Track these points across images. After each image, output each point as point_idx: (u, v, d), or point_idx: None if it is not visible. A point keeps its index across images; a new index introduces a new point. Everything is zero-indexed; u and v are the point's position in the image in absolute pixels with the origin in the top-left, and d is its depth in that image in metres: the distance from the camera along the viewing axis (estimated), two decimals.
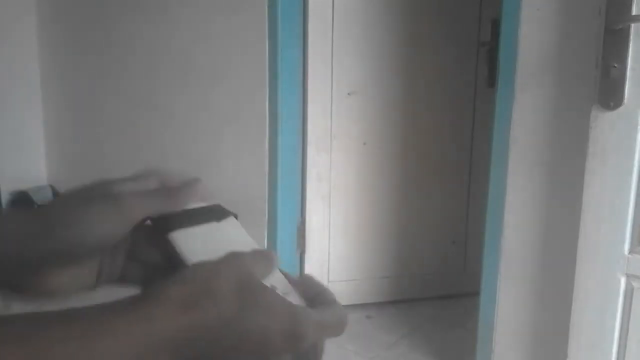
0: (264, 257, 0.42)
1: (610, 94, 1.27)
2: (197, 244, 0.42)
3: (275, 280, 0.42)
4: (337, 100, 2.25)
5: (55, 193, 3.00)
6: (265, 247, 2.04)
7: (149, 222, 0.44)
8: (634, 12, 1.21)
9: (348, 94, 2.27)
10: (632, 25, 1.22)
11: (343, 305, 0.46)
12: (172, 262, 0.42)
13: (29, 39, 2.89)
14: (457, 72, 2.37)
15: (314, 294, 0.44)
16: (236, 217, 0.48)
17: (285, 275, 0.44)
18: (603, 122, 1.29)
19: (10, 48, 2.84)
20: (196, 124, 2.37)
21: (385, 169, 2.38)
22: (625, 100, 1.26)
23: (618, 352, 1.34)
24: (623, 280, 1.32)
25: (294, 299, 0.42)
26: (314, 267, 2.33)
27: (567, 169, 1.50)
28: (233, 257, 0.40)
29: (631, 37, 1.23)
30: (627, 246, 1.31)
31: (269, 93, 2.11)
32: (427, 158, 2.42)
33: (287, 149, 2.17)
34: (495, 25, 1.91)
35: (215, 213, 0.46)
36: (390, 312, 2.38)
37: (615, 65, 1.25)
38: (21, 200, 2.91)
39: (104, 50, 2.68)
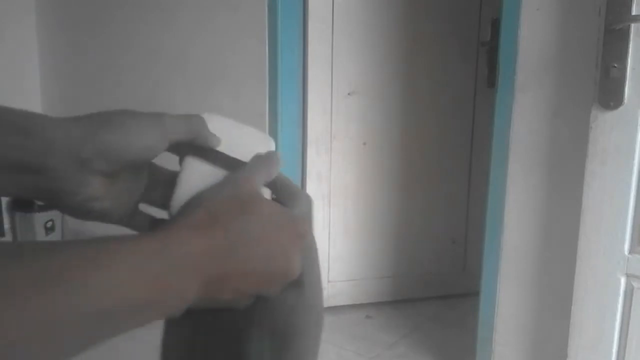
0: (265, 163, 0.46)
1: (610, 94, 1.27)
2: (198, 179, 0.45)
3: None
4: (337, 100, 2.25)
5: None
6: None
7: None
8: (634, 12, 1.21)
9: (348, 94, 2.27)
10: (632, 25, 1.22)
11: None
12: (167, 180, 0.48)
13: (29, 39, 2.89)
14: (457, 72, 2.37)
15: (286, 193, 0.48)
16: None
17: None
18: (603, 122, 1.29)
19: (10, 48, 2.84)
20: None
21: (385, 169, 2.38)
22: (625, 100, 1.26)
23: (618, 352, 1.34)
24: (623, 280, 1.32)
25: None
26: None
27: (567, 169, 1.50)
28: (231, 177, 0.44)
29: (631, 37, 1.23)
30: (627, 246, 1.31)
31: (269, 93, 2.11)
32: (427, 158, 2.42)
33: (287, 149, 2.17)
34: (495, 25, 1.91)
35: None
36: (390, 312, 2.38)
37: (615, 65, 1.25)
38: (21, 200, 2.91)
39: (104, 50, 2.68)
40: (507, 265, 1.66)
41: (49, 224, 2.97)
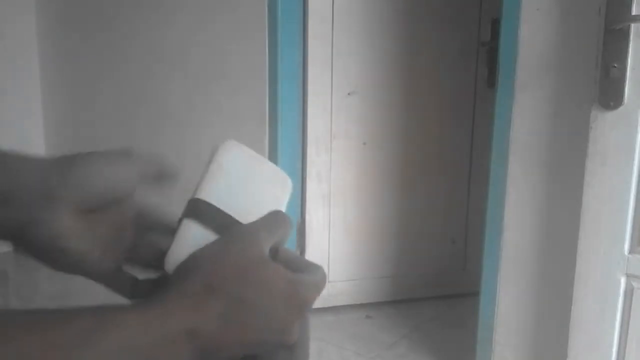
0: (277, 225, 0.44)
1: (610, 94, 1.27)
2: (195, 245, 0.42)
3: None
4: (337, 100, 2.25)
5: None
6: None
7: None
8: (634, 12, 1.21)
9: (348, 94, 2.27)
10: (632, 25, 1.22)
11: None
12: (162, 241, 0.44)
13: (29, 39, 2.89)
14: (457, 72, 2.37)
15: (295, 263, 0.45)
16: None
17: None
18: (603, 122, 1.29)
19: (10, 48, 2.84)
20: (196, 124, 2.37)
21: (385, 169, 2.38)
22: (625, 100, 1.26)
23: (618, 352, 1.34)
24: (623, 280, 1.32)
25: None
26: None
27: (567, 169, 1.50)
28: (235, 237, 0.41)
29: (631, 37, 1.23)
30: (627, 246, 1.31)
31: (269, 93, 2.11)
32: (427, 158, 2.42)
33: (287, 149, 2.17)
34: (495, 25, 1.91)
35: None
36: (390, 312, 2.38)
37: (615, 65, 1.25)
38: None
39: (104, 49, 2.68)
40: (507, 265, 1.66)
41: None
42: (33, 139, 3.02)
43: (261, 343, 0.40)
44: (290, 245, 2.27)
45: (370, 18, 2.25)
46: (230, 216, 0.43)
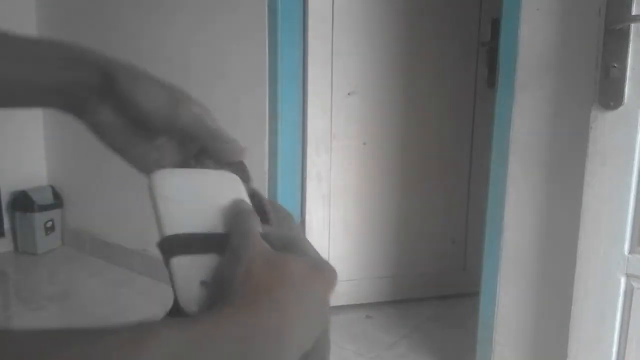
0: (249, 216, 0.43)
1: (610, 94, 1.27)
2: (196, 275, 0.41)
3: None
4: (337, 100, 2.25)
5: (55, 193, 3.00)
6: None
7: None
8: (634, 12, 1.21)
9: (348, 94, 2.27)
10: (632, 25, 1.22)
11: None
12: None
13: None
14: (457, 72, 2.37)
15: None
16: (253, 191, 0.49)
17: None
18: (603, 122, 1.29)
19: None
20: None
21: (385, 169, 2.38)
22: (625, 100, 1.26)
23: (618, 352, 1.34)
24: (623, 280, 1.32)
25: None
26: None
27: (567, 169, 1.50)
28: (249, 246, 0.39)
29: (631, 37, 1.23)
30: (627, 246, 1.31)
31: (269, 93, 2.11)
32: (427, 158, 2.42)
33: (287, 149, 2.17)
34: (495, 25, 1.91)
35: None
36: (390, 312, 2.38)
37: (615, 65, 1.25)
38: (21, 200, 2.91)
39: (104, 50, 2.68)
40: (507, 265, 1.66)
41: (49, 224, 2.97)
42: (33, 138, 3.02)
43: (310, 334, 0.37)
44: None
45: (370, 18, 2.25)
46: (205, 233, 0.43)
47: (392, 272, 2.45)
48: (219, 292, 0.37)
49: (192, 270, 0.41)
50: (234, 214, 0.43)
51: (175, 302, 0.41)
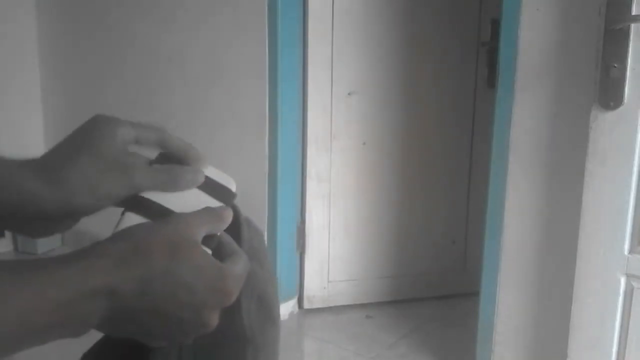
0: (213, 216, 0.46)
1: (610, 94, 1.27)
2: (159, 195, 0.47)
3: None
4: (337, 100, 2.25)
5: None
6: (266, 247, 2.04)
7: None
8: (634, 12, 1.21)
9: (348, 94, 2.27)
10: (632, 25, 1.22)
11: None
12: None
13: (29, 39, 2.89)
14: (457, 72, 2.37)
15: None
16: (235, 210, 0.51)
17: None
18: (603, 122, 1.29)
19: (10, 48, 2.84)
20: (196, 124, 2.37)
21: (385, 169, 2.38)
22: (625, 100, 1.26)
23: (618, 352, 1.34)
24: (623, 280, 1.32)
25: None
26: (314, 267, 2.33)
27: (567, 169, 1.50)
28: (171, 219, 0.43)
29: (631, 37, 1.23)
30: (627, 246, 1.31)
31: (269, 93, 2.11)
32: (427, 158, 2.42)
33: (287, 149, 2.17)
34: (495, 25, 1.91)
35: (217, 190, 0.50)
36: (390, 312, 2.38)
37: (615, 65, 1.25)
38: None
39: (104, 49, 2.68)
40: (507, 265, 1.66)
41: None
42: (33, 138, 3.02)
43: (175, 323, 0.41)
44: (290, 245, 2.27)
45: (370, 18, 2.25)
46: (167, 208, 0.47)
47: (392, 272, 2.45)
48: (111, 238, 0.42)
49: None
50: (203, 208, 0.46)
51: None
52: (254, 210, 2.13)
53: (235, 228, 0.50)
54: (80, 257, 0.38)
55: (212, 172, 0.51)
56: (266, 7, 2.05)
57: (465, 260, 2.51)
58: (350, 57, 2.24)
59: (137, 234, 0.41)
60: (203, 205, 0.47)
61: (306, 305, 2.34)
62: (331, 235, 2.35)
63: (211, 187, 0.50)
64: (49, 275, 0.36)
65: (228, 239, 0.47)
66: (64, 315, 0.36)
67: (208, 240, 0.45)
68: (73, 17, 2.79)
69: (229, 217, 0.47)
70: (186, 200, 0.48)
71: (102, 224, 0.52)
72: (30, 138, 3.02)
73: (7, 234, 2.97)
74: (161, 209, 0.47)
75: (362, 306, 2.40)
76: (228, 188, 0.51)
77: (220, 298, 0.42)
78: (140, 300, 0.39)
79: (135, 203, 0.47)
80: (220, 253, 0.45)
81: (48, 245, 2.97)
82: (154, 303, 0.39)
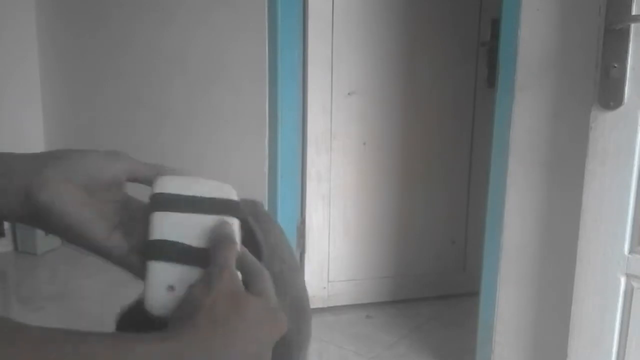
0: (230, 245, 0.46)
1: (610, 94, 1.27)
2: (171, 230, 0.45)
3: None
4: (337, 100, 2.25)
5: None
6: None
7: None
8: (634, 12, 1.21)
9: (348, 94, 2.27)
10: (632, 25, 1.22)
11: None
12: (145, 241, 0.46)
13: (29, 39, 2.89)
14: (457, 72, 2.37)
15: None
16: (245, 219, 0.50)
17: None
18: (603, 122, 1.29)
19: (10, 47, 2.84)
20: (196, 124, 2.37)
21: (385, 169, 2.38)
22: (625, 100, 1.26)
23: (618, 352, 1.34)
24: (623, 280, 1.32)
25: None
26: (313, 267, 2.33)
27: (567, 169, 1.50)
28: (217, 274, 0.43)
29: (631, 37, 1.23)
30: (627, 246, 1.31)
31: (269, 93, 2.11)
32: (427, 158, 2.42)
33: (287, 149, 2.17)
34: (495, 25, 1.91)
35: (221, 207, 0.48)
36: (390, 312, 2.38)
37: (615, 65, 1.25)
38: None
39: (104, 50, 2.68)
40: (507, 265, 1.66)
41: None
42: (33, 137, 3.02)
43: None
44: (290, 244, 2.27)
45: (370, 18, 2.25)
46: (187, 246, 0.45)
47: (392, 272, 2.45)
48: (185, 313, 0.42)
49: (165, 275, 0.44)
50: (216, 237, 0.46)
51: (139, 302, 0.45)
52: None
53: (250, 236, 0.50)
54: (171, 336, 0.40)
55: (208, 185, 0.49)
56: (266, 7, 2.05)
57: (465, 260, 2.51)
58: (350, 57, 2.24)
59: (203, 299, 0.42)
60: (212, 228, 0.46)
61: None
62: (331, 235, 2.35)
63: (213, 208, 0.48)
64: (145, 354, 0.38)
65: (250, 257, 0.47)
66: None
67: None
68: (73, 17, 2.79)
69: (238, 232, 0.47)
70: (195, 225, 0.46)
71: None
72: (30, 136, 3.02)
73: (7, 233, 2.97)
74: (178, 247, 0.45)
75: (362, 306, 2.40)
76: (229, 199, 0.49)
77: (274, 334, 0.44)
78: None
79: (150, 250, 0.46)
80: (244, 273, 0.46)
81: (48, 245, 2.97)
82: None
